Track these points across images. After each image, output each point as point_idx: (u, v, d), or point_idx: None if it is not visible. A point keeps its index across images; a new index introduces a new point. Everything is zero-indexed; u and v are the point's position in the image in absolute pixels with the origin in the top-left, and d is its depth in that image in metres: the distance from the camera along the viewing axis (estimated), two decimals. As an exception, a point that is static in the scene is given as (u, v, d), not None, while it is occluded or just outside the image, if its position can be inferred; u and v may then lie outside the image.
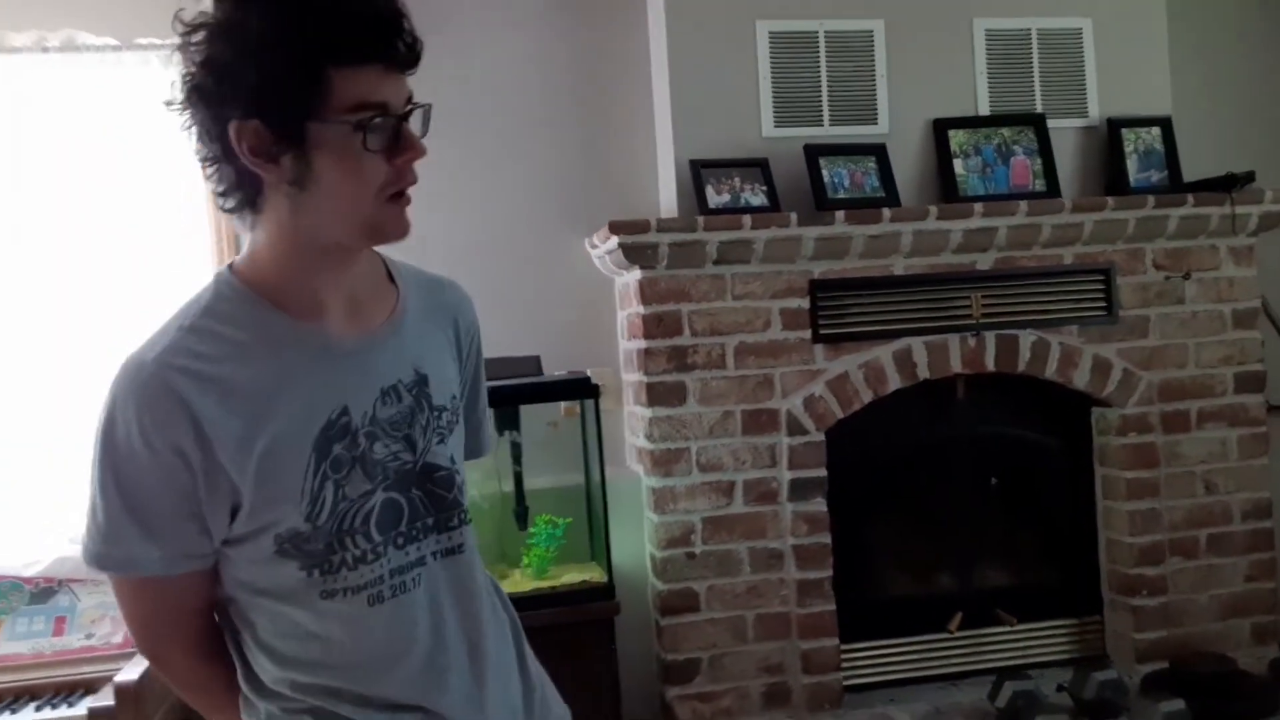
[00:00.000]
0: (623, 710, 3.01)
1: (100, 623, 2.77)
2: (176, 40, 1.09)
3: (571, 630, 2.86)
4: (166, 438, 1.07)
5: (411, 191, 1.14)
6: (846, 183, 3.19)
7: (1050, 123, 3.36)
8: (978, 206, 3.16)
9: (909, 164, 3.31)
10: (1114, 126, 3.38)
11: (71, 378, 2.91)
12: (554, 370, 3.19)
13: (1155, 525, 3.33)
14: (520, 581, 3.05)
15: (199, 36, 1.07)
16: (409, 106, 1.11)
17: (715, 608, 3.12)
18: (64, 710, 2.48)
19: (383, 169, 1.10)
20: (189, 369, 1.09)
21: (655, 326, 3.08)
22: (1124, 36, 3.44)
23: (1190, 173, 3.38)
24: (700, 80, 3.21)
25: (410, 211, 1.15)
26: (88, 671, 2.62)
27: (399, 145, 1.10)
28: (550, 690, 1.39)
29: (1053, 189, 3.30)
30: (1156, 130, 3.40)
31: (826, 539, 3.15)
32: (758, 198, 3.13)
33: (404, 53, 1.08)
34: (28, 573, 2.77)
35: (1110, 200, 3.24)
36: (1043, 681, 3.13)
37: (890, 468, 3.35)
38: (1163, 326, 3.35)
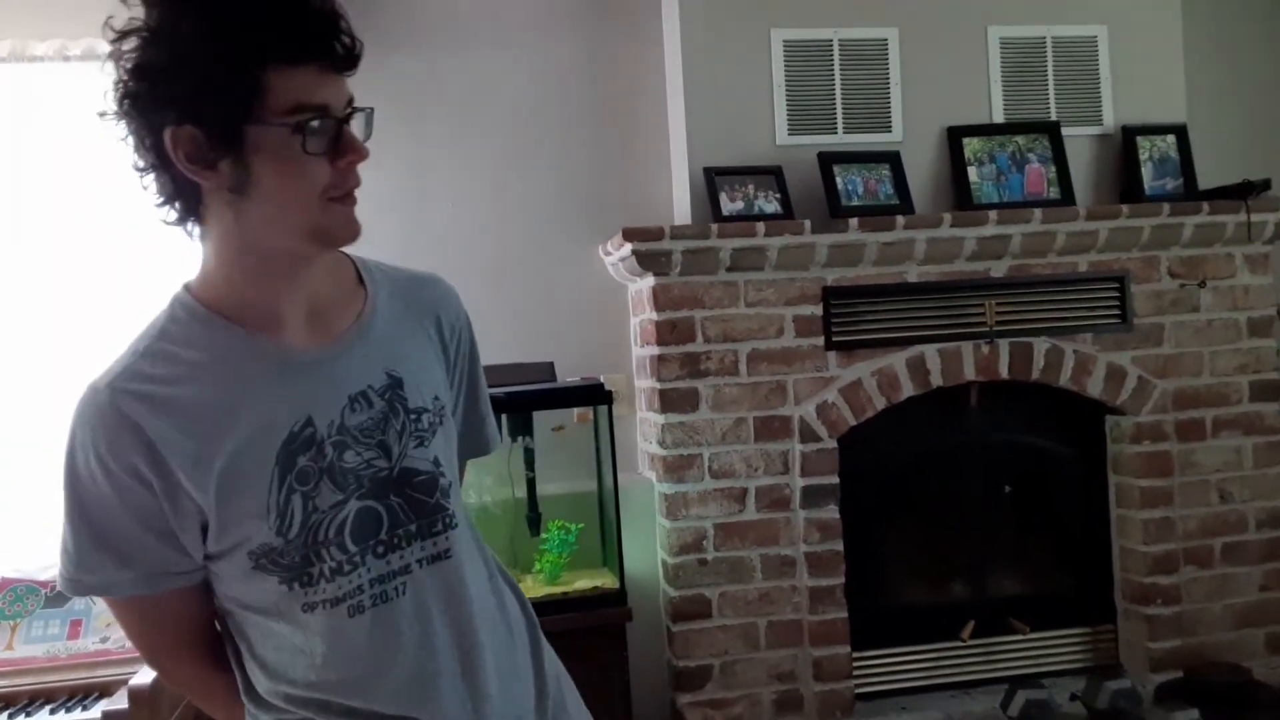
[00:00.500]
0: (634, 716, 3.00)
1: (115, 626, 2.76)
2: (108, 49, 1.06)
3: (583, 636, 2.85)
4: (121, 461, 1.07)
5: (358, 193, 1.11)
6: (860, 190, 3.19)
7: (1065, 130, 3.35)
8: (992, 214, 3.16)
9: (923, 172, 3.31)
10: (1129, 134, 3.38)
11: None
12: (567, 376, 3.19)
13: (1169, 534, 3.31)
14: (532, 587, 3.05)
15: (131, 43, 1.04)
16: (350, 109, 1.08)
17: (727, 614, 3.12)
18: (78, 713, 2.48)
19: (325, 172, 1.07)
20: (140, 392, 1.09)
21: (668, 333, 3.08)
22: (1139, 44, 3.44)
23: (1205, 180, 3.37)
24: (715, 88, 3.22)
25: (358, 211, 1.12)
26: (102, 675, 2.62)
27: (340, 148, 1.08)
28: (571, 697, 1.36)
29: (1067, 197, 3.29)
30: (1171, 138, 3.39)
31: (839, 546, 3.15)
32: (771, 205, 3.13)
33: (342, 53, 1.06)
34: (43, 576, 2.78)
35: (1125, 208, 3.24)
36: (1056, 690, 3.12)
37: (903, 475, 3.35)
38: (1177, 334, 3.34)
